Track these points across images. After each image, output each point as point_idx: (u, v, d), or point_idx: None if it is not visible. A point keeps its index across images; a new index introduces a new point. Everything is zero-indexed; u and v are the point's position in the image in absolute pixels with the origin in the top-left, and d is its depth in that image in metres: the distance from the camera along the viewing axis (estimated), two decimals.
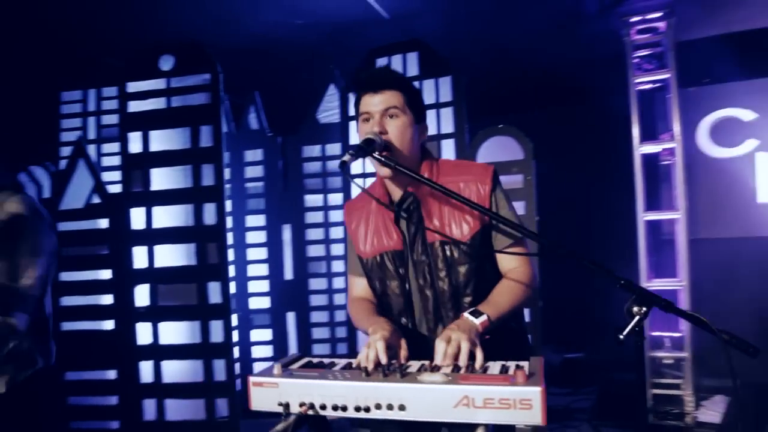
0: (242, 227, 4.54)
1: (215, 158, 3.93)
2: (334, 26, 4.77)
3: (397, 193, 1.88)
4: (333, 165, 4.57)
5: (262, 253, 4.60)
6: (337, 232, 4.55)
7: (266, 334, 4.56)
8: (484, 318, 1.71)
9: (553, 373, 5.25)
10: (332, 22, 4.72)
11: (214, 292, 3.91)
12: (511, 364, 1.59)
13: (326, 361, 1.75)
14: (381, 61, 4.27)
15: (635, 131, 4.41)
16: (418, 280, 1.86)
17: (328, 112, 4.59)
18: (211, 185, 3.94)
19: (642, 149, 4.38)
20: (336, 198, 4.56)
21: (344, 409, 1.44)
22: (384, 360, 1.59)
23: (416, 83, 4.15)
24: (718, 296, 4.26)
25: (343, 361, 1.73)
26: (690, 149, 4.96)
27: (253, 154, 4.64)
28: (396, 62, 4.22)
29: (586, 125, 4.86)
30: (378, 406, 1.42)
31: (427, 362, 1.64)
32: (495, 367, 1.58)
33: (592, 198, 4.72)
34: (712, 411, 4.19)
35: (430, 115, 4.11)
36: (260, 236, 4.60)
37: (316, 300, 4.57)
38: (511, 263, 1.88)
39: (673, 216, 4.29)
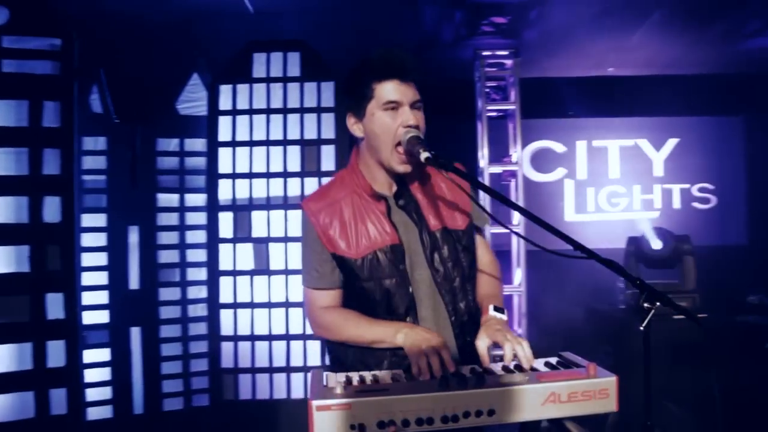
0: (77, 227, 3.78)
1: (64, 142, 3.24)
2: (194, 10, 4.34)
3: (385, 185, 1.78)
4: (193, 161, 4.12)
5: (101, 258, 3.89)
6: (195, 236, 4.10)
7: (103, 353, 3.86)
8: (506, 313, 1.75)
9: None
10: (191, 4, 4.29)
11: (54, 306, 3.20)
12: (551, 359, 1.64)
13: (365, 374, 1.57)
14: (259, 57, 4.02)
15: (485, 152, 4.89)
16: (432, 270, 1.76)
17: (190, 103, 4.14)
18: (56, 174, 3.23)
19: (490, 170, 4.87)
20: (195, 199, 4.11)
21: (430, 422, 1.32)
22: (452, 367, 1.50)
23: (297, 85, 4.01)
24: (541, 299, 4.93)
25: (385, 373, 1.58)
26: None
27: (94, 142, 3.92)
28: (276, 60, 4.01)
29: (447, 142, 5.22)
30: (466, 414, 1.34)
31: (474, 366, 1.60)
32: (539, 363, 1.61)
33: None
34: None
35: (311, 120, 4.01)
36: (100, 239, 3.89)
37: (167, 312, 4.03)
38: (485, 252, 1.94)
39: (515, 230, 4.82)
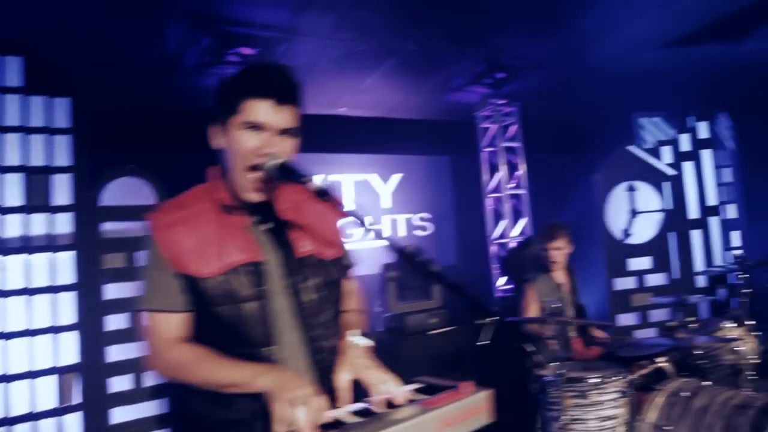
0: None
1: None
2: None
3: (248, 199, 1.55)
4: None
5: None
6: None
7: None
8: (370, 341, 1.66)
9: None
10: None
11: None
12: (413, 386, 1.58)
13: None
14: None
15: None
16: (295, 300, 1.56)
17: None
18: None
19: None
20: None
21: None
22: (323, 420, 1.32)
23: (18, 97, 3.23)
24: None
25: None
26: None
27: None
28: None
29: (195, 176, 4.80)
30: None
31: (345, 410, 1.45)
32: (407, 391, 1.54)
33: None
34: None
35: (38, 141, 3.27)
36: None
37: None
38: (351, 286, 1.84)
39: None
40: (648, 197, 5.60)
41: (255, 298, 1.50)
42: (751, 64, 5.74)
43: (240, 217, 1.54)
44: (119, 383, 3.36)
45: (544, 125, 6.43)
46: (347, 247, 1.79)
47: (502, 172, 6.09)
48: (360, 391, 1.53)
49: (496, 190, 6.16)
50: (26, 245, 3.18)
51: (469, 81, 6.04)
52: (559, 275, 3.92)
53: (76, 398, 3.23)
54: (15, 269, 3.14)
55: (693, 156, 5.71)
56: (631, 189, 5.60)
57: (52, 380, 3.17)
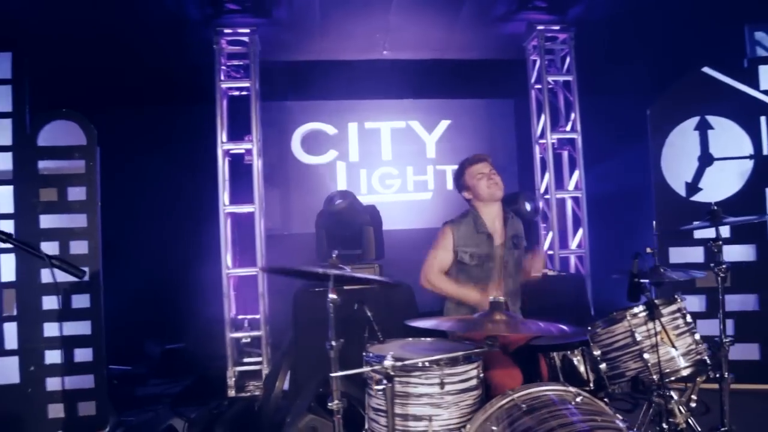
0: None
1: None
2: None
3: None
4: None
5: None
6: None
7: None
8: None
9: (154, 364, 5.33)
10: None
11: None
12: None
13: None
14: None
15: (221, 131, 4.80)
16: None
17: None
18: None
19: (225, 147, 4.79)
20: None
21: None
22: None
23: None
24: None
25: None
26: (286, 156, 5.64)
27: None
28: None
29: (175, 124, 5.17)
30: None
31: None
32: None
33: (178, 191, 5.06)
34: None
35: None
36: None
37: None
38: None
39: (249, 209, 4.76)
40: (730, 138, 4.01)
41: None
42: None
43: None
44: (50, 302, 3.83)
45: (607, 57, 5.03)
46: None
47: (545, 117, 4.98)
48: None
49: (544, 134, 5.08)
50: None
51: (516, 6, 5.06)
52: (492, 220, 2.88)
53: (14, 311, 3.81)
54: None
55: None
56: (704, 126, 4.08)
57: None
